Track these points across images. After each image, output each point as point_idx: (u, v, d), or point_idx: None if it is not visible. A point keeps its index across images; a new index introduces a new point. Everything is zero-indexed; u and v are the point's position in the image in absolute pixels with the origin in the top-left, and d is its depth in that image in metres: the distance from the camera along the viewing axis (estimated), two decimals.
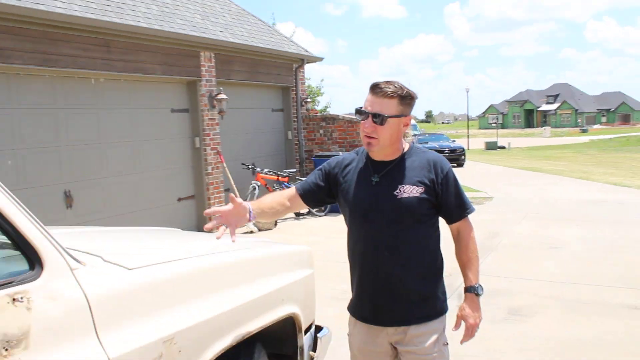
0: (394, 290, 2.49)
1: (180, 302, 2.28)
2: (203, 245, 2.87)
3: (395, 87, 2.41)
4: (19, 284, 1.72)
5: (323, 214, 11.68)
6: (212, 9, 11.88)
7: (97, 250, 2.28)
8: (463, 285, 2.63)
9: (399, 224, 2.46)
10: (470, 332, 2.62)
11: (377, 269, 2.49)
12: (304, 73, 13.70)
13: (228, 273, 2.63)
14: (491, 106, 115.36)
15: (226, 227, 2.46)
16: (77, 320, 1.86)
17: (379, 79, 2.46)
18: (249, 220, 2.53)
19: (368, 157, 2.57)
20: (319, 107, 23.05)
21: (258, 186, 10.93)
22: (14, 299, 1.69)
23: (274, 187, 11.29)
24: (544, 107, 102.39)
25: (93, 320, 1.90)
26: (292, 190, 2.71)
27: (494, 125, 60.99)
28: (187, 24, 10.04)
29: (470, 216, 2.64)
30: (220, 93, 10.33)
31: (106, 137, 8.68)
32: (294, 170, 12.52)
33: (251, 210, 2.52)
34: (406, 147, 2.57)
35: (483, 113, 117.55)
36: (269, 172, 11.48)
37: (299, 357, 3.07)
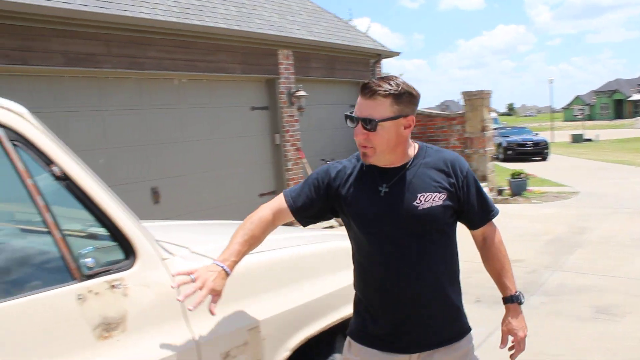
0: (421, 312, 2.15)
1: (265, 292, 2.36)
2: (286, 238, 2.95)
3: (388, 84, 2.04)
4: (116, 272, 1.85)
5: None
6: (288, 7, 12.04)
7: (185, 242, 2.40)
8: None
9: (423, 239, 2.12)
10: (520, 346, 2.33)
11: (401, 291, 2.13)
12: (380, 68, 13.68)
13: (311, 264, 2.70)
14: (577, 97, 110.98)
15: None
16: (168, 306, 1.98)
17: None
18: (229, 274, 2.05)
19: (373, 165, 2.19)
20: None
21: None
22: (112, 286, 1.82)
23: None
24: (636, 97, 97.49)
25: (183, 306, 2.01)
26: (278, 204, 2.28)
27: (579, 117, 58.67)
28: (265, 24, 10.24)
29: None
30: (299, 90, 10.47)
31: (189, 135, 8.99)
32: None
33: (224, 267, 2.03)
34: (416, 148, 2.22)
35: (568, 105, 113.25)
36: None
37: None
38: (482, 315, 4.96)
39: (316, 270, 2.70)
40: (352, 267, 2.37)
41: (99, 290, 1.78)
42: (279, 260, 2.55)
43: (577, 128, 50.43)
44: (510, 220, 9.99)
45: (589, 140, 39.23)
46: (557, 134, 45.57)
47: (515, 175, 13.12)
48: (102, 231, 1.88)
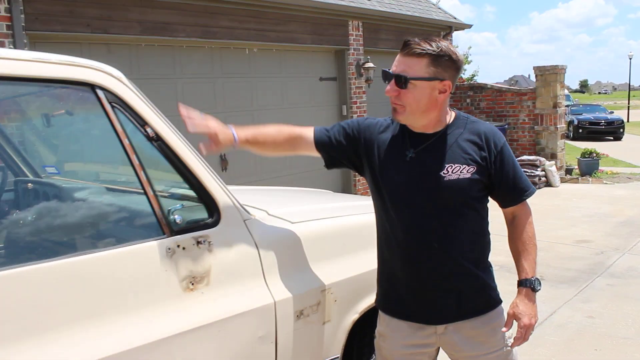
0: (445, 285, 2.11)
1: (337, 256, 2.45)
2: (355, 205, 3.03)
3: (429, 44, 1.97)
4: (201, 229, 1.97)
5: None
6: None
7: (261, 205, 2.50)
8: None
9: (448, 210, 2.06)
10: (523, 334, 2.15)
11: (424, 262, 2.09)
12: (451, 41, 13.45)
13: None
14: None
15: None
16: (248, 264, 2.09)
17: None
18: (234, 143, 2.14)
19: (406, 128, 2.13)
20: (465, 76, 22.52)
21: None
22: (198, 242, 1.94)
23: None
24: None
25: (262, 265, 2.12)
26: (307, 132, 2.26)
27: None
28: None
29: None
30: (368, 62, 10.45)
31: (259, 104, 9.14)
32: None
33: (234, 133, 2.14)
34: (452, 116, 2.15)
35: None
36: None
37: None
38: (547, 294, 4.93)
39: None
40: None
41: (186, 245, 1.91)
42: (350, 227, 2.63)
43: None
44: (580, 200, 9.76)
45: None
46: (634, 113, 43.73)
47: (586, 154, 12.74)
48: (189, 191, 2.00)
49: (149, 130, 1.89)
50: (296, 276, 2.24)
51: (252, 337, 2.05)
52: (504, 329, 2.17)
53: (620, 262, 6.26)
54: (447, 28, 13.11)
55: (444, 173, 2.03)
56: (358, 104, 10.57)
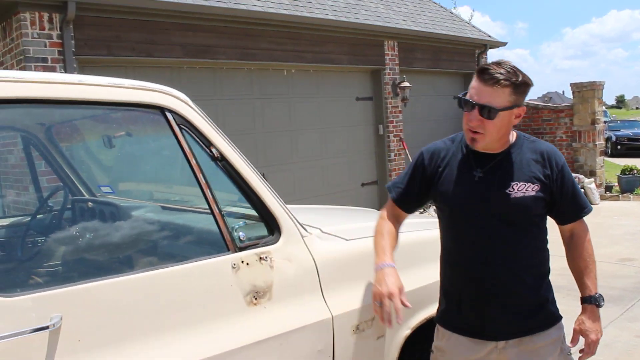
0: (507, 301, 2.14)
1: None
2: (411, 223, 3.07)
3: (509, 72, 2.01)
4: (263, 246, 2.05)
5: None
6: None
7: (314, 223, 2.57)
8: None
9: (513, 227, 2.12)
10: (591, 349, 2.22)
11: (487, 278, 2.14)
12: (486, 59, 13.44)
13: (428, 248, 2.80)
14: None
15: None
16: (307, 279, 2.16)
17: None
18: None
19: (469, 148, 2.19)
20: None
21: None
22: (260, 258, 2.01)
23: None
24: None
25: (319, 281, 2.19)
26: (396, 211, 2.35)
27: None
28: (371, 14, 10.34)
29: (592, 209, 2.26)
30: (404, 81, 10.52)
31: (296, 125, 9.27)
32: None
33: (386, 264, 2.17)
34: (514, 136, 2.21)
35: None
36: None
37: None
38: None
39: (435, 254, 2.79)
40: None
41: (249, 261, 1.98)
42: (402, 244, 2.66)
43: None
44: (621, 217, 9.62)
45: None
46: None
47: (627, 171, 12.54)
48: (251, 208, 2.08)
49: (214, 150, 1.98)
50: (352, 292, 2.30)
51: (311, 350, 2.11)
52: (570, 345, 2.22)
53: None
54: (482, 46, 13.12)
55: (509, 191, 2.10)
56: (394, 123, 10.63)
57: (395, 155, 10.66)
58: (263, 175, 7.08)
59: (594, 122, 11.91)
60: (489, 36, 13.52)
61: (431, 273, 2.69)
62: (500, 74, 2.00)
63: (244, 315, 1.95)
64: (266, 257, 2.03)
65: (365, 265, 2.40)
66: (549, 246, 2.27)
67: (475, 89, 2.06)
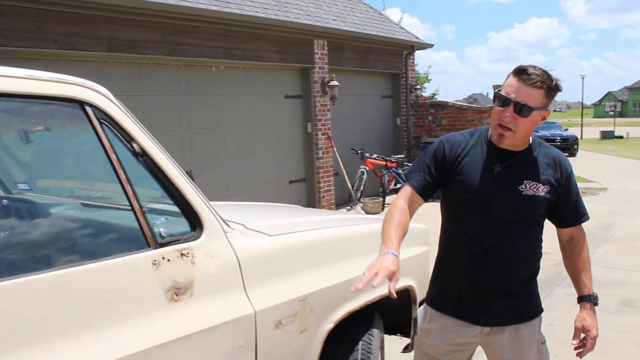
0: (504, 289, 2.31)
1: (313, 267, 2.54)
2: (327, 219, 3.12)
3: (545, 75, 2.15)
4: (185, 242, 2.04)
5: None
6: None
7: (239, 219, 2.58)
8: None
9: (518, 223, 2.27)
10: (592, 345, 2.39)
11: (488, 267, 2.29)
12: (413, 60, 13.75)
13: (353, 243, 2.87)
14: (609, 93, 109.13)
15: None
16: (230, 276, 2.16)
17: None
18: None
19: (490, 143, 2.30)
20: (425, 94, 22.91)
21: (366, 171, 11.17)
22: (182, 254, 2.01)
23: (381, 172, 11.50)
24: None
25: (242, 276, 2.20)
26: (413, 195, 2.34)
27: (611, 113, 57.64)
28: (301, 13, 10.39)
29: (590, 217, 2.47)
30: (332, 80, 10.62)
31: (225, 122, 9.20)
32: (402, 156, 12.66)
33: (396, 254, 2.07)
34: (530, 139, 2.35)
35: (599, 101, 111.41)
36: (378, 157, 11.67)
37: (412, 329, 3.26)
38: None
39: (359, 249, 2.86)
40: None
41: (170, 257, 1.97)
42: (324, 239, 2.72)
43: (608, 125, 49.74)
44: None
45: (620, 137, 38.72)
46: (587, 131, 45.03)
47: None
48: (173, 204, 2.07)
49: (135, 146, 1.96)
50: (274, 287, 2.32)
51: (233, 346, 2.12)
52: (574, 342, 2.41)
53: None
54: (410, 47, 13.41)
55: (522, 188, 2.25)
56: (323, 122, 10.72)
57: (323, 153, 10.76)
58: (190, 172, 7.02)
59: None
60: (417, 38, 13.83)
61: (356, 268, 2.75)
62: (538, 75, 2.13)
63: (165, 312, 1.94)
64: (188, 253, 2.02)
65: (288, 260, 2.44)
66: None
67: (514, 87, 2.16)
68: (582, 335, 2.42)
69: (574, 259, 2.46)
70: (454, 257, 2.38)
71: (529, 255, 2.34)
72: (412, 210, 2.34)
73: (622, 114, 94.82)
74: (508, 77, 2.22)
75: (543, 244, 2.42)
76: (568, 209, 2.38)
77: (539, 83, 2.13)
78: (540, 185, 2.26)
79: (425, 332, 2.47)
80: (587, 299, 2.42)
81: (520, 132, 2.20)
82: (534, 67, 2.17)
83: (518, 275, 2.32)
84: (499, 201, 2.26)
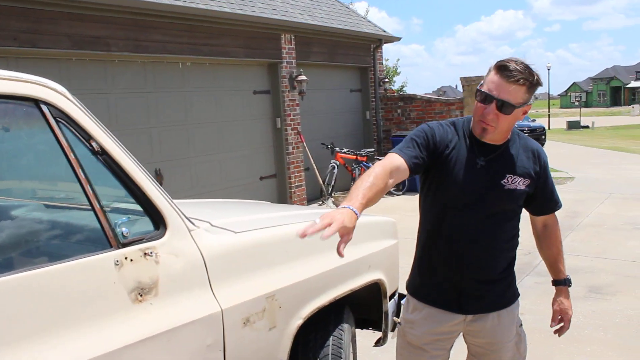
0: (483, 278, 2.36)
1: (280, 264, 2.52)
2: (296, 214, 3.10)
3: (527, 71, 2.13)
4: (148, 241, 2.01)
5: (401, 193, 11.80)
6: None
7: (204, 217, 2.55)
8: (551, 276, 2.59)
9: (499, 214, 2.31)
10: (568, 325, 2.57)
11: (468, 256, 2.32)
12: (381, 53, 13.78)
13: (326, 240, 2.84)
14: (574, 84, 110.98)
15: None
16: (195, 274, 2.13)
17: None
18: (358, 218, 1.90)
19: (473, 137, 2.30)
20: (395, 87, 23.02)
21: (337, 165, 11.18)
22: (145, 253, 1.97)
23: (352, 166, 11.52)
24: (633, 84, 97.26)
25: (208, 275, 2.17)
26: (398, 162, 2.17)
27: (576, 104, 58.67)
28: (267, 7, 10.32)
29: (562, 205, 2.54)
30: (300, 74, 10.59)
31: (193, 119, 9.11)
32: (372, 149, 12.69)
33: (355, 210, 1.88)
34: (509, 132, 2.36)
35: (565, 91, 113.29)
36: (348, 151, 11.68)
37: (383, 322, 3.27)
38: None
39: (327, 245, 2.84)
40: (358, 242, 2.59)
41: (133, 257, 1.93)
42: (291, 235, 2.70)
43: (574, 115, 50.58)
44: None
45: (585, 127, 39.41)
46: (554, 121, 45.74)
47: None
48: (134, 203, 2.03)
49: (94, 144, 1.91)
50: (241, 284, 2.30)
51: (200, 345, 2.09)
52: (552, 324, 2.57)
53: None
54: (377, 41, 13.43)
55: (504, 182, 2.28)
56: (292, 117, 10.69)
57: (293, 148, 10.73)
58: (159, 170, 6.91)
59: None
60: (384, 31, 13.85)
61: (325, 263, 2.74)
62: (520, 72, 2.12)
63: (129, 313, 1.90)
64: (151, 253, 1.98)
65: (254, 257, 2.42)
66: None
67: (496, 84, 2.14)
68: (559, 317, 2.56)
69: (549, 246, 2.54)
70: (436, 248, 2.39)
71: (508, 245, 2.40)
72: (394, 179, 2.14)
73: (587, 104, 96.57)
74: (490, 71, 2.19)
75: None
76: (544, 199, 2.43)
77: (521, 80, 2.12)
78: (520, 178, 2.29)
79: (409, 323, 2.48)
80: (562, 283, 2.53)
81: (501, 128, 2.22)
82: (516, 61, 2.14)
83: (498, 264, 2.38)
84: (481, 195, 2.28)
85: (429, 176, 2.36)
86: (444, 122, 2.40)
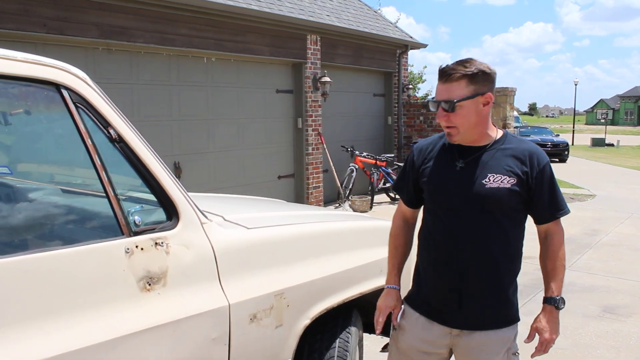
0: (468, 289, 2.26)
1: (291, 262, 2.51)
2: (309, 214, 3.09)
3: (461, 65, 2.16)
4: (160, 231, 2.01)
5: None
6: None
7: (218, 211, 2.55)
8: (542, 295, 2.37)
9: (485, 216, 2.22)
10: (543, 347, 2.32)
11: (453, 263, 2.26)
12: (407, 59, 13.73)
13: (333, 240, 2.84)
14: (601, 101, 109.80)
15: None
16: (205, 267, 2.13)
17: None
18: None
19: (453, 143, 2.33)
20: (419, 94, 22.91)
21: (356, 169, 11.15)
22: (156, 243, 1.98)
23: (371, 170, 11.48)
24: None
25: (217, 268, 2.17)
26: (403, 209, 2.53)
27: (602, 121, 57.85)
28: (295, 7, 10.34)
29: (572, 212, 2.35)
30: (325, 76, 10.59)
31: (214, 114, 9.15)
32: (392, 155, 12.64)
33: (388, 286, 2.50)
34: (499, 133, 2.32)
35: (592, 108, 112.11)
36: (368, 155, 11.65)
37: (391, 327, 3.24)
38: None
39: (339, 246, 2.84)
40: (371, 246, 2.75)
41: (144, 246, 1.94)
42: (304, 235, 2.70)
43: (599, 132, 50.00)
44: None
45: (610, 145, 38.92)
46: (578, 137, 45.25)
47: None
48: (149, 192, 2.03)
49: (112, 131, 1.92)
50: (250, 280, 2.29)
51: (206, 338, 2.09)
52: (526, 340, 2.34)
53: None
54: (403, 46, 13.39)
55: (486, 181, 2.22)
56: (313, 117, 10.69)
57: (313, 149, 10.73)
58: (178, 163, 6.95)
59: (505, 126, 12.38)
60: (411, 37, 13.81)
61: (336, 264, 2.74)
62: (452, 69, 2.16)
63: (136, 301, 1.90)
64: (162, 243, 1.99)
65: (265, 254, 2.41)
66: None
67: (437, 90, 2.23)
68: (535, 335, 2.35)
69: (546, 257, 2.35)
70: (428, 255, 2.38)
71: (501, 254, 2.26)
72: (411, 223, 2.53)
73: (613, 122, 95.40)
74: None
75: (529, 248, 2.35)
76: (542, 204, 2.28)
77: (455, 76, 2.15)
78: (505, 177, 2.21)
79: (401, 329, 2.46)
80: (547, 301, 2.32)
81: (463, 126, 2.20)
82: (458, 61, 2.20)
83: (489, 275, 2.25)
84: (463, 196, 2.24)
85: (421, 188, 2.42)
86: (431, 137, 2.49)
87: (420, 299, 2.39)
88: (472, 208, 2.23)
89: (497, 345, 2.29)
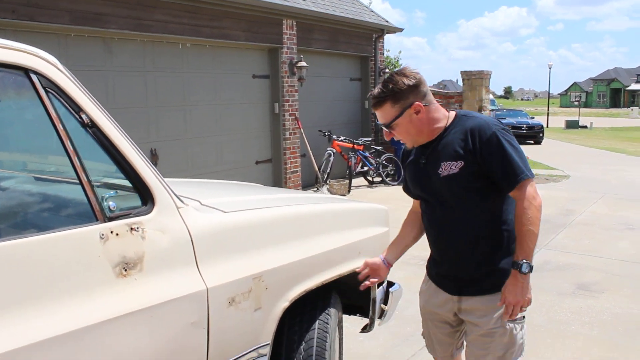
0: (456, 263, 2.51)
1: (269, 245, 2.51)
2: (287, 197, 3.09)
3: (381, 90, 2.37)
4: (135, 216, 1.99)
5: (396, 183, 11.80)
6: None
7: (194, 196, 2.53)
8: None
9: (455, 202, 2.42)
10: (509, 311, 2.36)
11: (439, 244, 2.58)
12: (383, 43, 13.73)
13: (311, 222, 2.84)
14: (574, 84, 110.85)
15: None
16: (181, 251, 2.12)
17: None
18: (389, 269, 2.81)
19: None
20: None
21: (333, 153, 11.16)
22: (131, 228, 1.96)
23: (348, 154, 11.50)
24: (634, 87, 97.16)
25: (194, 252, 2.16)
26: (413, 202, 2.81)
27: (576, 103, 58.56)
28: None
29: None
30: (301, 60, 10.56)
31: (191, 100, 9.08)
32: (370, 139, 12.67)
33: (385, 261, 2.77)
34: (450, 118, 2.46)
35: (565, 91, 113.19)
36: (345, 139, 11.66)
37: (370, 309, 3.26)
38: None
39: (317, 228, 2.85)
40: (349, 228, 3.01)
41: (119, 231, 1.92)
42: (282, 217, 2.69)
43: (573, 115, 50.54)
44: None
45: (584, 127, 39.38)
46: (553, 119, 45.74)
47: None
48: (123, 178, 2.01)
49: (84, 116, 1.89)
50: (228, 264, 2.29)
51: (184, 323, 2.08)
52: (498, 304, 2.41)
53: (537, 256, 6.57)
54: (379, 31, 13.38)
55: (440, 171, 2.40)
56: (290, 102, 10.67)
57: (290, 134, 10.71)
58: (154, 150, 6.89)
59: (481, 108, 12.47)
60: (387, 21, 13.80)
61: (314, 246, 2.74)
62: (374, 97, 2.40)
63: (112, 287, 1.89)
64: (137, 228, 1.97)
65: (243, 237, 2.41)
66: None
67: (377, 115, 2.48)
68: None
69: (516, 222, 2.34)
70: (427, 236, 2.68)
71: (477, 231, 2.43)
72: (419, 212, 2.74)
73: (586, 104, 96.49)
74: None
75: None
76: (496, 174, 2.32)
77: (379, 102, 2.39)
78: (452, 162, 2.36)
79: (421, 292, 2.79)
80: (513, 265, 2.34)
81: (410, 135, 2.46)
82: (380, 84, 2.41)
83: (470, 251, 2.45)
84: (429, 189, 2.51)
85: None
86: None
87: (430, 267, 2.72)
88: (438, 198, 2.48)
89: (489, 309, 2.45)
